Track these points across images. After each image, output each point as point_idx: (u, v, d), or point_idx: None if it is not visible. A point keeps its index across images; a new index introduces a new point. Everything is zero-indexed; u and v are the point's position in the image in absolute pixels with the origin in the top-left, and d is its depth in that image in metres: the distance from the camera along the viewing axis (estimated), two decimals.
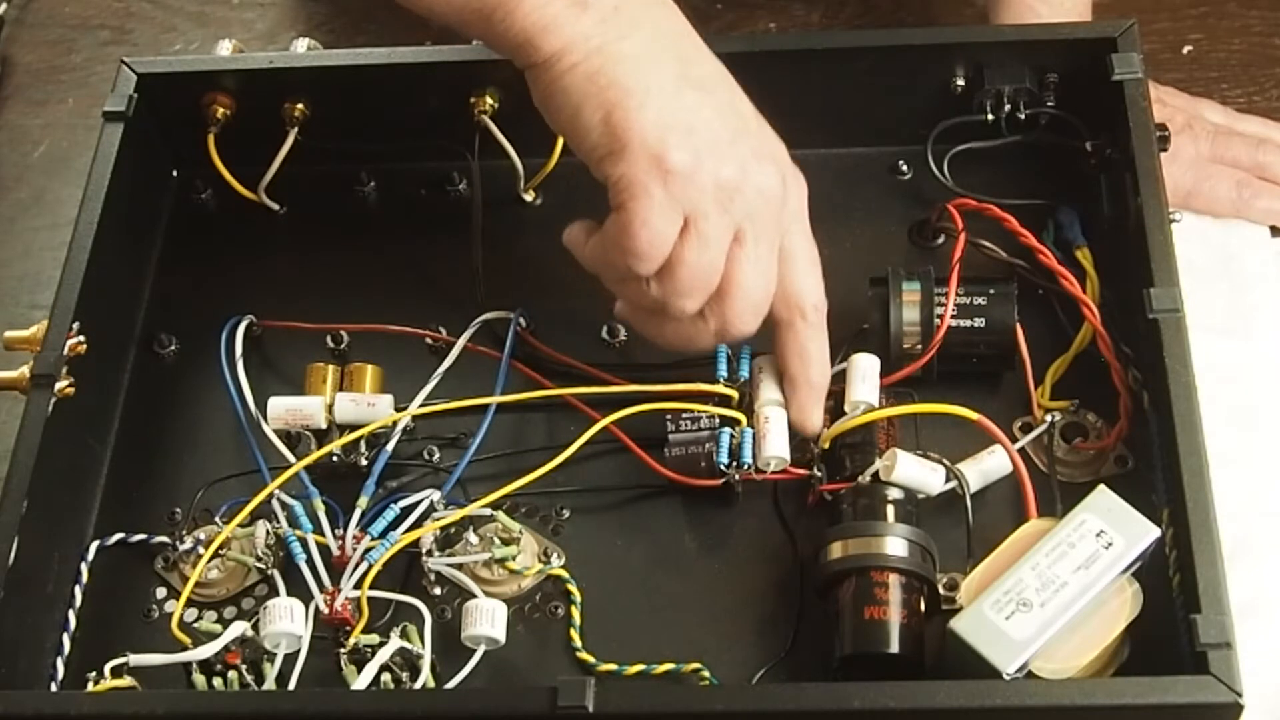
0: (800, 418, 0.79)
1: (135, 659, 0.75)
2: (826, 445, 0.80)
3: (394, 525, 0.79)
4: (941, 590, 0.75)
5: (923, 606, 0.74)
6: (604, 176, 0.74)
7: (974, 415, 0.78)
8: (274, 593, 0.79)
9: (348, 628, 0.77)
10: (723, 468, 0.79)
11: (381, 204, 0.94)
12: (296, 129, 0.90)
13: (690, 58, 0.76)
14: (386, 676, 0.74)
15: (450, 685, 0.75)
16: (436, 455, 0.84)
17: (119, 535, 0.82)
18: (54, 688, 0.77)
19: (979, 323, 0.81)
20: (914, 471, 0.77)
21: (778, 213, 0.76)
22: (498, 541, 0.79)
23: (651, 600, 0.79)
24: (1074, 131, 0.88)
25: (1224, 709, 0.66)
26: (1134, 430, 0.79)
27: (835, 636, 0.74)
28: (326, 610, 0.77)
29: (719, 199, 0.74)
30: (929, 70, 0.89)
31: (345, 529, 0.79)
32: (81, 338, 0.82)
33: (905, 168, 0.92)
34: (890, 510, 0.76)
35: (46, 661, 0.78)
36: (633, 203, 0.73)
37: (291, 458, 0.82)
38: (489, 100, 0.89)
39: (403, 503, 0.79)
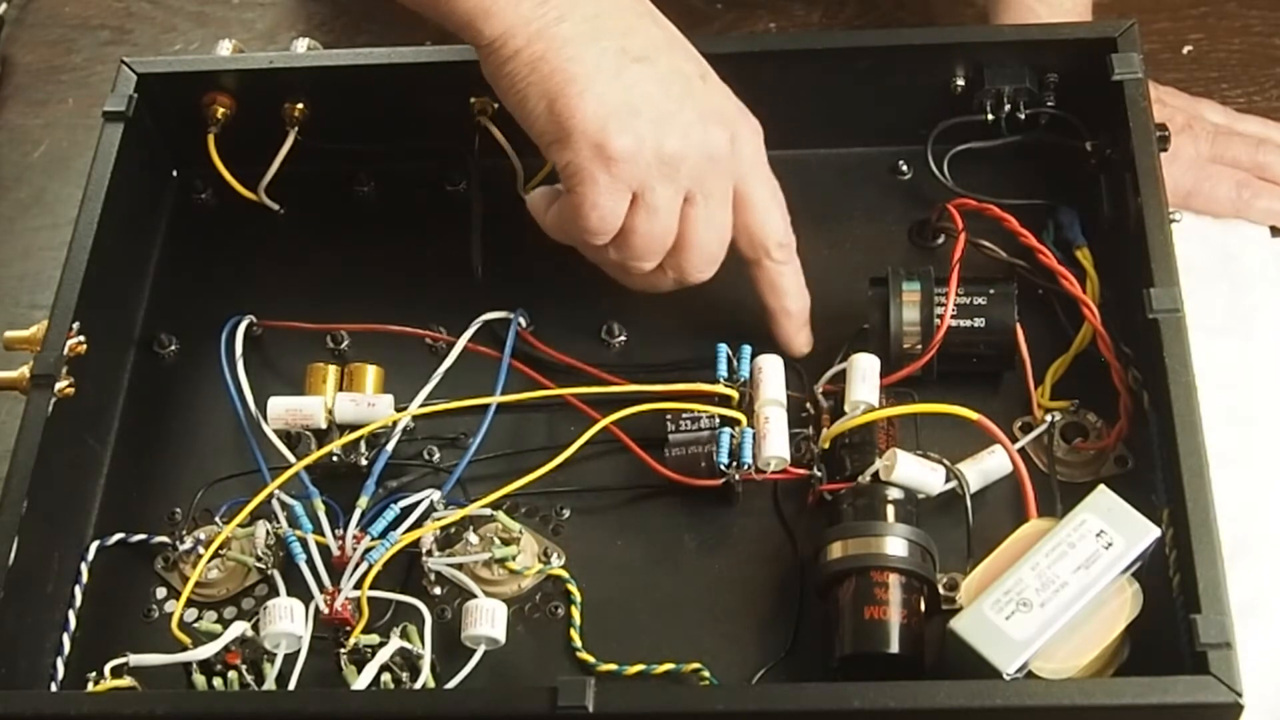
0: (784, 345, 0.84)
1: (135, 659, 0.75)
2: (826, 445, 0.80)
3: (394, 525, 0.79)
4: (941, 590, 0.75)
5: (923, 606, 0.74)
6: (553, 161, 0.78)
7: (974, 415, 0.78)
8: (274, 593, 0.79)
9: (348, 628, 0.77)
10: (723, 468, 0.79)
11: (381, 204, 0.94)
12: (296, 129, 0.90)
13: (631, 28, 0.78)
14: (386, 676, 0.74)
15: (450, 685, 0.75)
16: (436, 455, 0.84)
17: (119, 535, 0.82)
18: (54, 688, 0.77)
19: (979, 323, 0.81)
20: (914, 471, 0.77)
21: (728, 168, 0.79)
22: (498, 541, 0.79)
23: (651, 600, 0.79)
24: (1074, 131, 0.88)
25: (1224, 709, 0.66)
26: (1134, 430, 0.79)
27: (835, 636, 0.74)
28: (326, 610, 0.77)
29: (664, 171, 0.77)
30: (929, 70, 0.89)
31: (345, 529, 0.79)
32: (81, 338, 0.82)
33: (905, 168, 0.92)
34: (890, 510, 0.76)
35: (46, 661, 0.78)
36: (580, 188, 0.77)
37: (291, 458, 0.82)
38: (489, 100, 0.89)
39: (403, 503, 0.79)
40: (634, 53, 0.77)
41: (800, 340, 0.84)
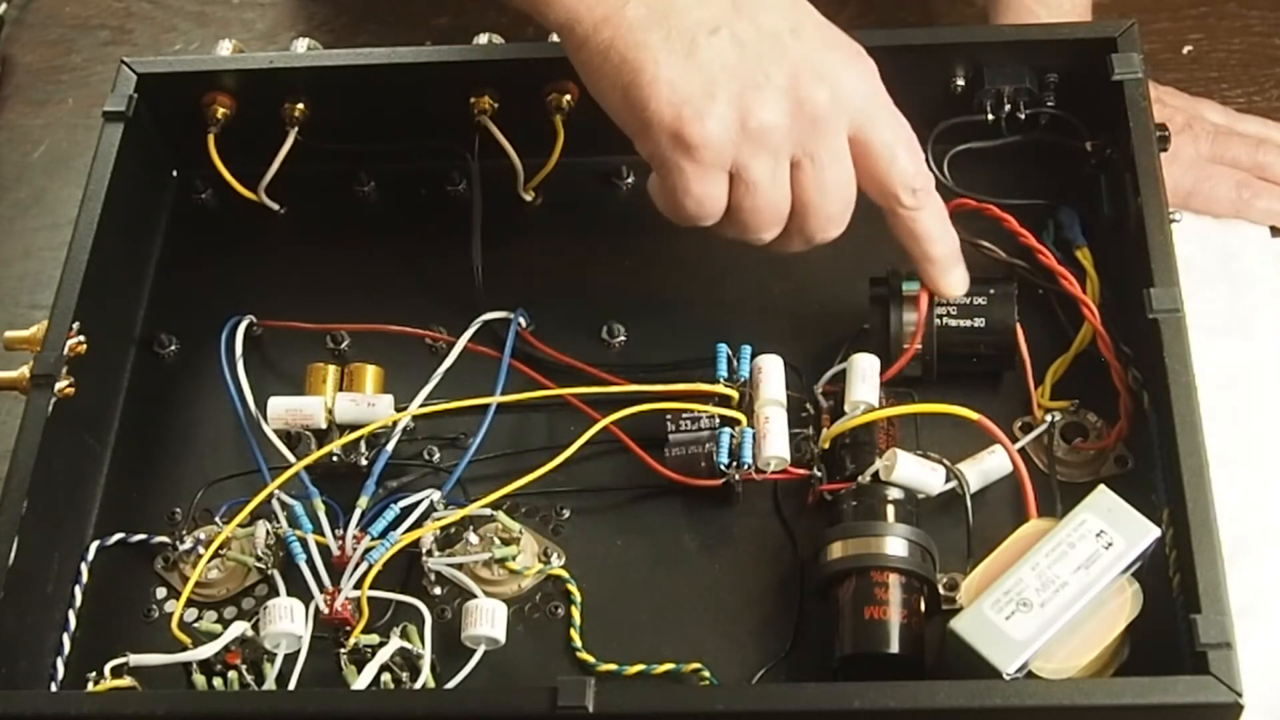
0: (933, 289, 0.80)
1: (135, 659, 0.75)
2: (826, 445, 0.80)
3: (394, 525, 0.79)
4: (941, 590, 0.75)
5: (923, 606, 0.74)
6: (639, 150, 0.75)
7: (974, 415, 0.78)
8: (274, 593, 0.79)
9: (348, 628, 0.77)
10: (723, 468, 0.79)
11: (381, 204, 0.94)
12: (296, 129, 0.90)
13: None
14: (386, 676, 0.74)
15: (450, 685, 0.75)
16: (436, 455, 0.84)
17: (119, 535, 0.82)
18: (54, 688, 0.77)
19: (979, 323, 0.81)
20: (914, 471, 0.77)
21: (834, 123, 0.75)
22: (498, 541, 0.79)
23: (651, 600, 0.79)
24: (1074, 131, 0.88)
25: (1224, 709, 0.66)
26: (1134, 430, 0.79)
27: (835, 636, 0.74)
28: (326, 610, 0.77)
29: (756, 146, 0.73)
30: (929, 70, 0.89)
31: (345, 529, 0.79)
32: (81, 338, 0.82)
33: None
34: (890, 510, 0.76)
35: (46, 661, 0.78)
36: (669, 179, 0.74)
37: (291, 458, 0.82)
38: (489, 100, 0.89)
39: (403, 503, 0.79)
40: (708, 25, 0.73)
41: (948, 282, 0.80)
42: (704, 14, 0.73)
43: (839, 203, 0.77)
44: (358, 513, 0.79)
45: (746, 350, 0.82)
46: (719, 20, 0.74)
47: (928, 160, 0.89)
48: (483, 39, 0.91)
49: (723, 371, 0.81)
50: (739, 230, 0.77)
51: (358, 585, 0.77)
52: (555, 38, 0.78)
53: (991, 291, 0.81)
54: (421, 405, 0.83)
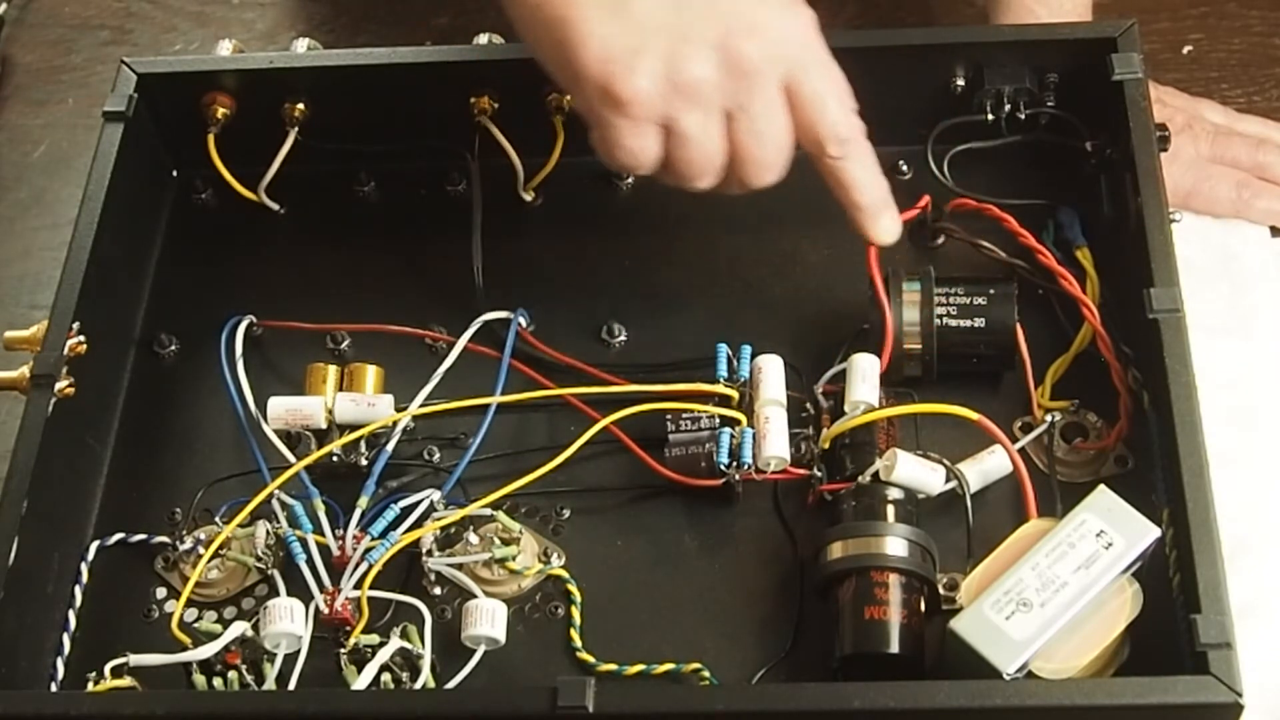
0: (863, 237, 0.81)
1: (135, 659, 0.75)
2: (826, 445, 0.80)
3: (394, 525, 0.79)
4: (941, 590, 0.75)
5: (923, 606, 0.74)
6: (574, 104, 0.76)
7: (974, 415, 0.78)
8: (274, 593, 0.79)
9: (348, 628, 0.77)
10: (723, 468, 0.79)
11: (381, 204, 0.94)
12: (296, 129, 0.90)
13: None
14: (386, 676, 0.74)
15: (450, 685, 0.75)
16: (436, 455, 0.84)
17: (119, 535, 0.82)
18: (54, 688, 0.77)
19: (979, 323, 0.81)
20: (914, 471, 0.77)
21: (767, 76, 0.75)
22: (498, 541, 0.79)
23: (651, 600, 0.79)
24: (1074, 131, 0.88)
25: (1224, 709, 0.66)
26: (1134, 430, 0.79)
27: (835, 636, 0.74)
28: (326, 610, 0.77)
29: (687, 100, 0.74)
30: (929, 70, 0.89)
31: (345, 529, 0.79)
32: (81, 338, 0.82)
33: (905, 168, 0.91)
34: (890, 510, 0.76)
35: (46, 661, 0.78)
36: (599, 131, 0.75)
37: (291, 458, 0.82)
38: (489, 100, 0.89)
39: (403, 503, 0.79)
40: None
41: (877, 230, 0.80)
42: None
43: (774, 151, 0.77)
44: (358, 513, 0.79)
45: (746, 350, 0.82)
46: None
47: (928, 160, 0.89)
48: (483, 39, 0.91)
49: (723, 371, 0.81)
50: (675, 178, 0.77)
51: (358, 585, 0.77)
52: None
53: (991, 291, 0.81)
54: (421, 405, 0.83)
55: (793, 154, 0.78)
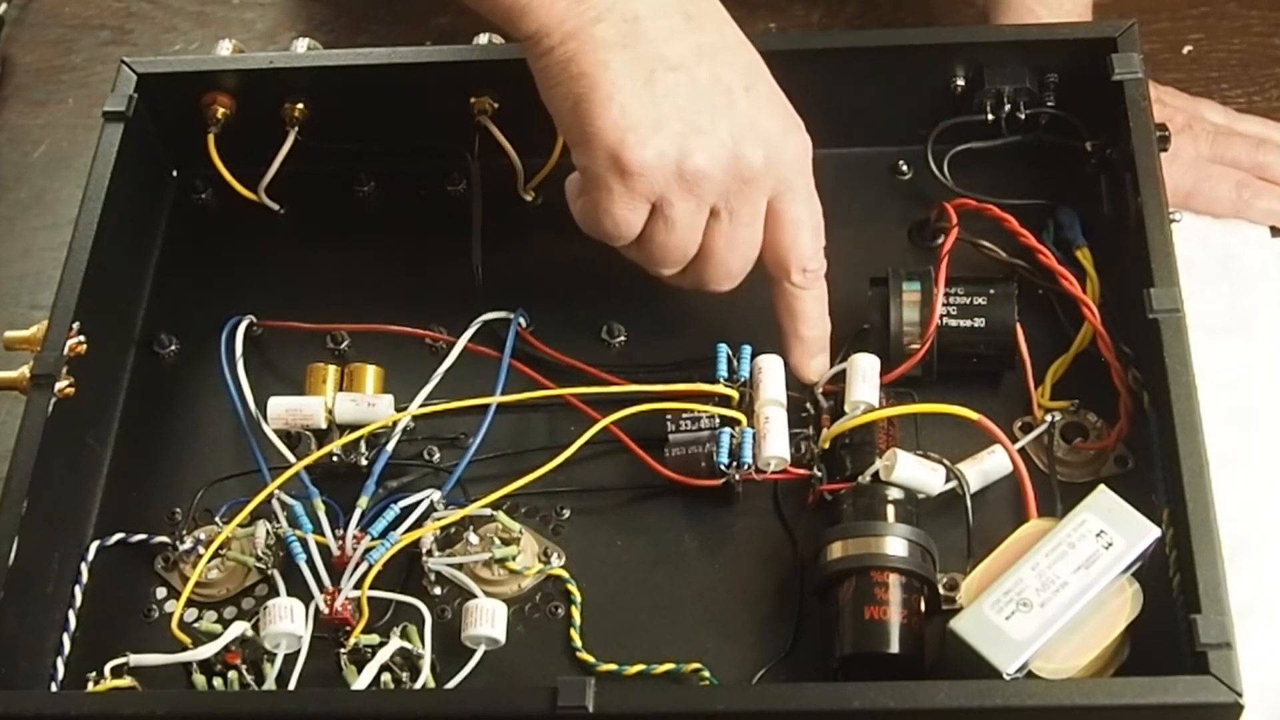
0: (794, 369, 0.82)
1: (135, 659, 0.75)
2: (826, 445, 0.80)
3: (394, 525, 0.79)
4: (941, 590, 0.75)
5: (923, 606, 0.74)
6: (575, 160, 0.77)
7: (974, 415, 0.78)
8: (274, 593, 0.79)
9: (348, 628, 0.77)
10: (723, 468, 0.79)
11: (381, 204, 0.94)
12: (296, 129, 0.90)
13: (673, 33, 0.75)
14: (386, 676, 0.74)
15: (450, 685, 0.75)
16: (436, 455, 0.84)
17: (119, 535, 0.82)
18: (54, 688, 0.77)
19: (979, 323, 0.81)
20: (914, 471, 0.77)
21: (759, 188, 0.77)
22: (498, 541, 0.79)
23: (651, 600, 0.79)
24: (1074, 131, 0.88)
25: (1224, 709, 0.66)
26: (1134, 430, 0.79)
27: (835, 636, 0.74)
28: (326, 610, 0.77)
29: (685, 187, 0.75)
30: (929, 70, 0.89)
31: (345, 529, 0.79)
32: (81, 338, 0.82)
33: (905, 168, 0.92)
34: (890, 510, 0.76)
35: (46, 661, 0.78)
36: (595, 194, 0.76)
37: (291, 458, 0.82)
38: (489, 100, 0.89)
39: (403, 503, 0.79)
40: (671, 61, 0.74)
41: (811, 367, 0.82)
42: (669, 50, 0.75)
43: (741, 260, 0.79)
44: (358, 513, 0.79)
45: (746, 350, 0.82)
46: (682, 60, 0.75)
47: (928, 160, 0.89)
48: (483, 39, 0.91)
49: (723, 371, 0.81)
50: (643, 258, 0.79)
51: (358, 585, 0.77)
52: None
53: (991, 291, 0.81)
54: (421, 405, 0.83)
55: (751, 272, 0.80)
